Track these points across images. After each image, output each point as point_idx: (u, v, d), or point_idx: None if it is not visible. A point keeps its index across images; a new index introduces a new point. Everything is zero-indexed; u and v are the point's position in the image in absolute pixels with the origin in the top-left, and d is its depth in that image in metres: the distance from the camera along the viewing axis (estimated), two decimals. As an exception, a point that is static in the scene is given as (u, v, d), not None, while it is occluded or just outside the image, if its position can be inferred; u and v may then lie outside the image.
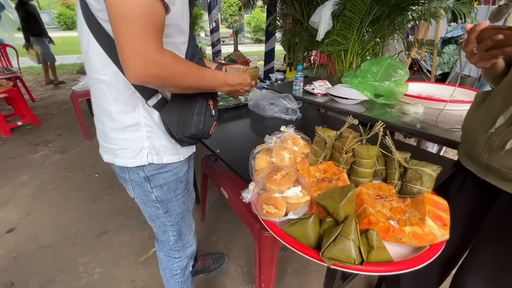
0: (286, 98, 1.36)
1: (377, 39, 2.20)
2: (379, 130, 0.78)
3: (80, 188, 2.18)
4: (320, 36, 2.10)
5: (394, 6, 1.96)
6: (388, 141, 0.74)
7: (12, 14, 5.18)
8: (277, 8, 3.47)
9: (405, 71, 1.42)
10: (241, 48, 8.59)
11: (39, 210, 1.93)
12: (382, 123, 0.78)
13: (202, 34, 11.60)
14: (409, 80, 1.61)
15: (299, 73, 1.77)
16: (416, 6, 1.92)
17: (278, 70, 3.51)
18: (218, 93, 0.83)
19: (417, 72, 5.28)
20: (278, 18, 3.23)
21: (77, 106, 2.82)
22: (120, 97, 0.68)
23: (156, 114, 0.71)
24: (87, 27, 0.62)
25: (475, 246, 0.84)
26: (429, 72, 4.39)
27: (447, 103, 1.25)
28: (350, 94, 1.43)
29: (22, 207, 1.96)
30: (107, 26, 0.60)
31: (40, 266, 1.49)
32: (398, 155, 0.76)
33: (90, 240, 1.67)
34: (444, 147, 1.73)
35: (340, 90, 1.47)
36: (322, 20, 2.06)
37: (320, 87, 1.67)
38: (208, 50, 7.30)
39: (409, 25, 2.52)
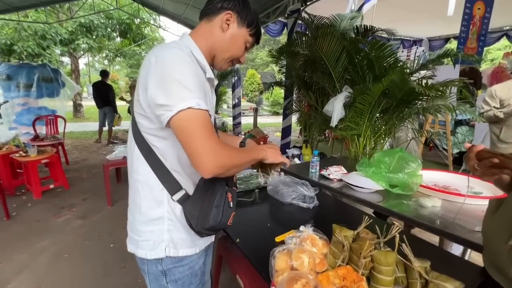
0: (304, 185, 1.44)
1: (387, 127, 2.37)
2: (396, 234, 0.81)
3: (94, 258, 2.17)
4: (333, 123, 2.31)
5: (400, 100, 2.18)
6: (406, 249, 0.76)
7: (68, 90, 6.19)
8: (294, 93, 3.92)
9: (418, 164, 1.49)
10: (259, 119, 9.30)
11: (50, 282, 1.90)
12: (399, 227, 0.82)
13: (225, 106, 12.83)
14: (425, 167, 1.65)
15: (315, 157, 1.89)
16: (421, 102, 2.13)
17: (294, 146, 3.72)
18: (237, 183, 0.93)
19: (433, 148, 5.34)
20: (294, 103, 3.62)
21: (106, 174, 3.04)
22: (150, 193, 0.80)
23: (178, 208, 0.80)
24: (133, 139, 0.80)
25: None
26: (445, 150, 4.44)
27: (465, 198, 1.26)
28: (365, 183, 1.49)
29: (35, 277, 1.95)
30: (149, 138, 0.77)
31: None
32: (417, 264, 0.76)
33: (94, 323, 1.58)
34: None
35: (355, 178, 1.54)
36: (335, 109, 2.30)
37: (335, 172, 1.75)
38: (229, 121, 7.98)
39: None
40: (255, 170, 1.72)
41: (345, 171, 1.79)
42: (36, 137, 4.20)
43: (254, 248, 1.03)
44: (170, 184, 0.79)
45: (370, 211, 1.60)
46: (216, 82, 0.90)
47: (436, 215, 1.25)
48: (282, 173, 1.77)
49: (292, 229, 1.07)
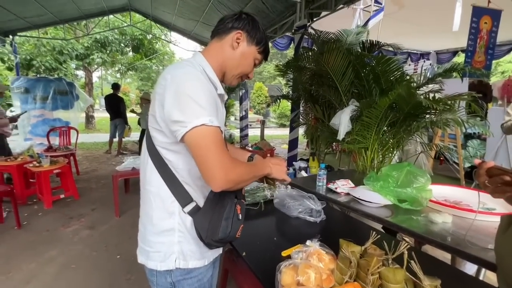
0: (310, 199, 1.44)
1: (395, 140, 2.36)
2: (404, 251, 0.80)
3: (101, 269, 2.18)
4: (340, 136, 2.31)
5: (407, 114, 2.17)
6: (415, 266, 0.75)
7: (82, 103, 6.41)
8: (301, 106, 3.95)
9: (427, 178, 1.47)
10: (266, 131, 9.35)
11: (57, 293, 1.92)
12: (407, 244, 0.81)
13: (232, 118, 12.98)
14: (436, 182, 1.61)
15: (322, 170, 1.88)
16: (429, 115, 2.12)
17: (301, 159, 3.71)
18: (245, 195, 0.94)
19: (443, 162, 5.21)
20: (301, 116, 3.65)
21: (115, 184, 3.09)
22: (162, 204, 0.82)
23: (189, 220, 0.82)
24: (148, 152, 0.83)
25: None
26: (457, 164, 4.33)
27: (476, 214, 1.23)
28: (373, 197, 1.47)
29: (42, 287, 1.97)
30: (163, 152, 0.80)
31: None
32: (427, 283, 0.74)
33: (99, 336, 1.57)
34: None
35: (363, 192, 1.53)
36: (342, 123, 2.31)
37: (343, 186, 1.74)
38: (237, 133, 8.05)
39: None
40: (261, 184, 1.73)
41: (352, 185, 1.77)
42: (50, 148, 4.33)
43: (260, 262, 1.03)
44: (182, 196, 0.81)
45: (379, 226, 1.58)
46: (226, 97, 0.94)
47: (447, 232, 1.22)
48: (289, 186, 1.77)
49: (299, 243, 1.07)
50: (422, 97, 2.01)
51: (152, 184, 0.83)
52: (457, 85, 3.08)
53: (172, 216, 0.82)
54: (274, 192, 1.60)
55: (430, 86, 2.40)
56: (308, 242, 0.87)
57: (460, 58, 7.44)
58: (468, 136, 4.75)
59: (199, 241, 0.82)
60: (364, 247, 0.88)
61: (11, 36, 6.56)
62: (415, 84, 2.33)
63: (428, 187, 1.49)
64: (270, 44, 5.93)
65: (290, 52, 11.67)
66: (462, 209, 1.39)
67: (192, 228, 0.82)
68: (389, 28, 4.65)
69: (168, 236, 0.82)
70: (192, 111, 0.70)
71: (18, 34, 6.86)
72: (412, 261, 0.76)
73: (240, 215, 0.85)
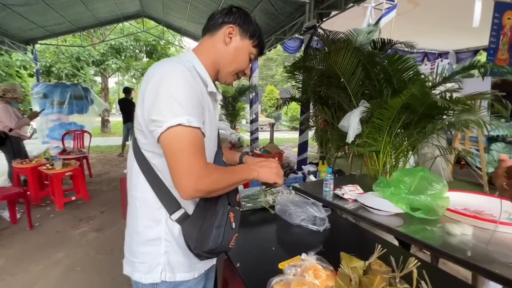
0: (314, 206, 1.34)
1: (409, 143, 2.21)
2: (413, 269, 0.70)
3: (104, 273, 2.17)
4: (350, 139, 2.20)
5: (422, 115, 2.03)
6: (425, 288, 0.65)
7: (96, 107, 6.59)
8: (310, 109, 3.85)
9: (443, 185, 1.35)
10: (278, 134, 9.27)
11: (60, 296, 1.91)
12: (416, 260, 0.71)
13: (244, 122, 12.98)
14: (456, 188, 1.48)
15: (328, 175, 1.78)
16: (446, 116, 1.97)
17: (311, 162, 3.60)
18: (241, 202, 0.87)
19: (464, 166, 4.90)
20: (310, 118, 3.55)
21: (123, 187, 3.10)
22: (148, 212, 0.76)
23: (176, 229, 0.76)
24: (133, 155, 0.78)
25: None
26: (479, 168, 4.05)
27: (497, 225, 1.10)
28: (382, 205, 1.36)
29: (47, 290, 1.98)
30: (147, 155, 0.75)
31: None
32: (440, 307, 0.64)
33: None
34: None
35: (372, 199, 1.42)
36: (351, 125, 2.20)
37: (350, 192, 1.63)
38: (247, 136, 8.01)
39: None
40: (264, 186, 1.66)
41: (361, 190, 1.67)
42: (64, 151, 4.45)
43: (254, 274, 0.96)
44: (169, 202, 0.75)
45: (392, 237, 1.45)
46: (219, 96, 0.88)
47: (466, 245, 1.09)
48: (293, 192, 1.68)
49: (298, 254, 0.98)
50: (438, 97, 1.87)
51: (138, 190, 0.78)
52: (477, 85, 2.87)
53: (159, 224, 0.76)
54: (277, 198, 1.52)
55: (449, 85, 2.24)
56: (303, 256, 0.79)
57: (481, 58, 7.07)
58: (491, 139, 4.44)
59: (188, 251, 0.76)
60: (368, 263, 0.79)
61: (32, 44, 6.89)
62: (430, 83, 2.18)
63: (445, 194, 1.36)
64: (280, 47, 5.87)
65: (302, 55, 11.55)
66: (485, 219, 1.25)
67: (180, 237, 0.76)
68: (404, 27, 4.47)
69: (154, 246, 0.76)
70: (169, 109, 0.65)
71: (39, 42, 7.20)
72: (422, 282, 0.66)
73: (233, 223, 0.78)
